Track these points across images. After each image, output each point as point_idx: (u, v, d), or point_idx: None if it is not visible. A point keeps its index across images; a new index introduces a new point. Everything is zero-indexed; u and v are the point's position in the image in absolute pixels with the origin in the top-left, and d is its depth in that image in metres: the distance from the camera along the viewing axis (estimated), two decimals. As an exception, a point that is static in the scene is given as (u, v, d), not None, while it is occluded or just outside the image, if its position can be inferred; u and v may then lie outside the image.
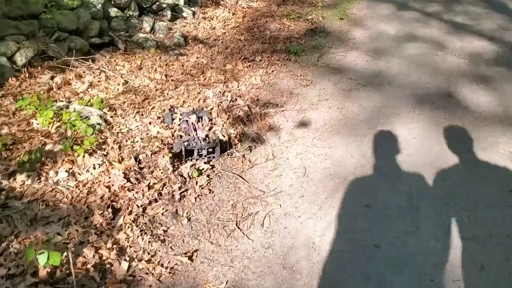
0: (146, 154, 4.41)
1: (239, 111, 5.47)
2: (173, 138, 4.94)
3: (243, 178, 4.57)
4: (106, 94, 5.75)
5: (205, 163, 4.62)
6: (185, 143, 4.61)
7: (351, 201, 4.18)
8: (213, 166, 4.67)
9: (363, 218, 3.99)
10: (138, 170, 4.30)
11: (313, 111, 5.84)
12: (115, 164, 4.21)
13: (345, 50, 7.69)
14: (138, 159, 4.40)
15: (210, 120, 5.16)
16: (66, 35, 6.43)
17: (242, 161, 4.81)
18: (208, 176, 4.52)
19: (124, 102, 5.57)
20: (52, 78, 5.76)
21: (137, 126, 5.11)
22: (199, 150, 4.63)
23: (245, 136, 5.16)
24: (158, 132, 4.94)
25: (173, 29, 8.00)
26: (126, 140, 4.79)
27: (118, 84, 5.94)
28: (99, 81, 6.00)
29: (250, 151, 5.00)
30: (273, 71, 6.83)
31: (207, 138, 4.82)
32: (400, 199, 4.23)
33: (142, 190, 4.06)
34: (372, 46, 7.57)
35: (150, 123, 5.13)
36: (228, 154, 4.87)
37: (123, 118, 5.19)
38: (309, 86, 6.48)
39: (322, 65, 7.13)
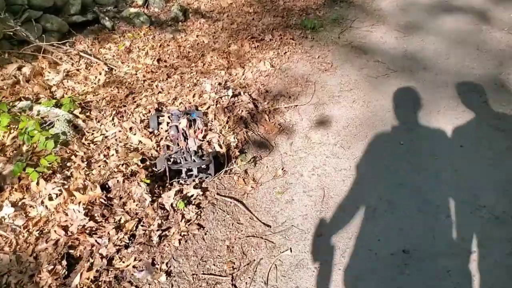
0: (118, 180, 3.37)
1: (242, 110, 4.38)
2: (158, 149, 3.89)
3: (244, 205, 3.55)
4: (84, 86, 4.70)
5: (195, 186, 3.58)
6: (170, 161, 3.58)
7: (385, 243, 3.11)
8: (205, 190, 3.64)
9: (402, 268, 2.93)
10: (106, 202, 3.28)
11: (334, 105, 4.71)
12: (76, 195, 3.22)
13: (371, 24, 6.45)
14: (107, 186, 3.38)
15: (205, 124, 4.08)
16: (40, 13, 5.34)
17: (244, 180, 3.77)
18: (198, 206, 3.50)
19: (103, 99, 4.52)
20: (19, 68, 4.72)
21: (114, 133, 4.07)
22: (188, 170, 3.56)
23: (248, 143, 4.10)
24: (140, 142, 3.79)
25: (170, 0, 6.57)
26: (99, 154, 3.78)
27: (100, 73, 4.87)
28: (77, 70, 4.95)
29: (255, 165, 3.96)
30: (285, 52, 5.64)
31: (199, 151, 3.79)
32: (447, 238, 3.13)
33: (109, 233, 3.07)
34: (401, 19, 6.27)
35: (131, 128, 4.08)
36: (226, 172, 3.81)
37: (98, 121, 4.15)
38: (328, 71, 5.31)
39: (344, 43, 5.90)
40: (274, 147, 4.12)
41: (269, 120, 4.38)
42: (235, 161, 3.88)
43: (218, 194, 3.59)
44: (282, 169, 3.86)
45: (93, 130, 4.03)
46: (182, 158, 3.65)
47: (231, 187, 3.68)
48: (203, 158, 3.68)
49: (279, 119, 4.43)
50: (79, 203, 3.12)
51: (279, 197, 3.59)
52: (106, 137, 4.02)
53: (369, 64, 5.42)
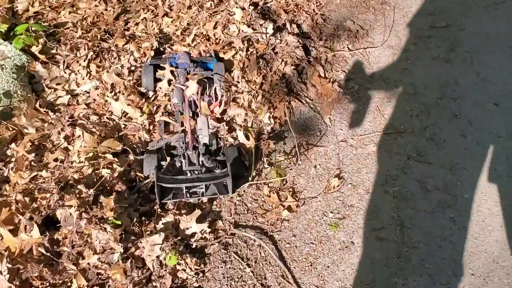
0: (70, 213, 2.02)
1: (286, 62, 2.80)
2: (150, 128, 2.53)
3: (276, 248, 2.22)
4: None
5: (200, 219, 2.20)
6: (163, 167, 2.24)
7: None
8: (214, 220, 2.30)
9: None
10: (50, 251, 1.98)
11: (422, 51, 3.08)
12: (4, 240, 1.92)
13: None
14: (55, 219, 2.04)
15: (228, 88, 2.60)
16: None
17: (278, 194, 2.36)
18: (201, 252, 2.16)
19: (83, 19, 3.01)
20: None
21: (88, 91, 2.66)
22: (190, 187, 2.19)
23: (289, 123, 2.63)
24: (124, 113, 2.37)
25: None
26: (59, 133, 2.43)
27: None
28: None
29: (296, 161, 2.54)
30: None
31: (213, 143, 2.41)
32: None
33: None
34: None
35: (113, 87, 2.63)
36: (252, 184, 2.39)
37: (67, 68, 2.72)
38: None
39: None
40: (328, 128, 2.69)
41: (325, 76, 2.81)
42: (267, 160, 2.47)
43: (235, 225, 2.25)
44: (339, 175, 2.46)
45: (57, 84, 2.49)
46: (183, 159, 2.29)
47: (257, 207, 2.33)
48: (217, 158, 2.31)
49: (339, 74, 2.91)
50: (4, 257, 1.60)
51: (333, 233, 2.25)
52: (74, 96, 2.62)
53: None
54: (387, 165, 2.47)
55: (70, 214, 1.92)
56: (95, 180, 2.11)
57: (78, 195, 1.97)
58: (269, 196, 2.26)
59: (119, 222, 1.92)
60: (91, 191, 1.97)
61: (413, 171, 2.45)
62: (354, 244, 2.15)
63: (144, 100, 2.50)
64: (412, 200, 2.34)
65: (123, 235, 1.95)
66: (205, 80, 2.52)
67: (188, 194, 2.14)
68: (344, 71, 2.86)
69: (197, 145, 2.28)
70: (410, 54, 2.96)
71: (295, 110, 2.62)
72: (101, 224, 1.87)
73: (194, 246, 2.10)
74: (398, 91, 2.77)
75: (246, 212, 2.24)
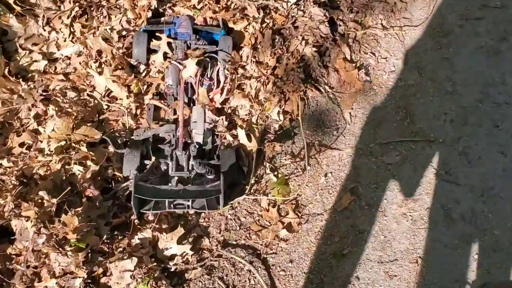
0: (26, 227, 1.68)
1: (307, 41, 2.32)
2: (137, 112, 2.14)
3: (269, 277, 1.89)
4: None
5: (181, 239, 1.87)
6: (142, 173, 1.87)
7: None
8: (201, 237, 1.97)
9: None
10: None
11: (468, 37, 2.56)
12: None
13: None
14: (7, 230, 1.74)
15: (234, 69, 2.16)
16: None
17: (279, 209, 2.00)
18: (180, 277, 1.84)
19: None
20: None
21: (69, 57, 2.23)
22: (174, 199, 1.81)
23: (300, 118, 2.20)
24: (109, 91, 2.05)
25: None
26: (29, 109, 2.07)
27: None
28: None
29: (304, 169, 2.12)
30: None
31: (207, 143, 2.03)
32: None
33: None
34: None
35: (100, 54, 2.19)
36: (248, 193, 2.02)
37: (47, 24, 2.28)
38: None
39: None
40: (347, 126, 2.27)
41: (351, 59, 2.38)
42: (269, 166, 2.08)
43: (223, 244, 1.92)
44: (353, 189, 2.08)
45: (33, 45, 2.11)
46: (170, 161, 1.93)
47: (252, 222, 1.99)
48: (210, 163, 1.95)
49: (367, 58, 2.44)
50: None
51: (337, 263, 1.92)
52: (52, 62, 2.20)
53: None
54: (410, 182, 2.09)
55: (27, 228, 1.50)
56: (64, 178, 1.71)
57: (38, 203, 1.56)
58: (267, 211, 1.88)
59: (83, 246, 1.51)
60: (54, 200, 1.55)
61: (438, 193, 2.05)
62: (359, 280, 1.82)
63: (133, 76, 2.01)
64: (432, 230, 1.98)
65: (89, 255, 1.56)
66: (207, 58, 2.06)
67: (171, 205, 1.79)
68: (373, 54, 2.40)
69: (188, 141, 1.87)
70: (453, 39, 2.48)
71: (311, 101, 2.14)
72: (61, 248, 1.46)
73: (172, 270, 1.70)
74: (433, 87, 2.34)
75: (238, 228, 1.90)
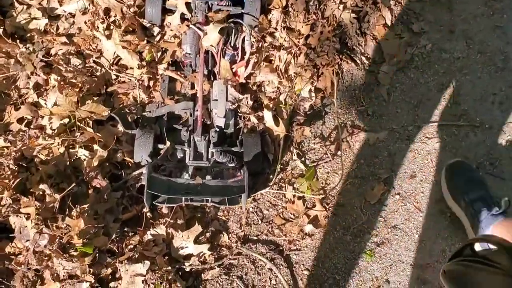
0: (26, 226, 1.47)
1: (343, 4, 1.96)
2: (150, 84, 1.87)
3: (291, 277, 1.71)
4: None
5: (198, 239, 1.69)
6: (156, 159, 1.65)
7: None
8: (219, 233, 1.77)
9: None
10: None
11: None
12: None
13: None
14: (7, 226, 1.53)
15: (262, 37, 1.86)
16: None
17: (305, 201, 1.79)
18: (196, 278, 1.66)
19: None
20: None
21: (73, 12, 1.94)
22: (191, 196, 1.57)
23: (335, 94, 1.91)
24: (118, 58, 1.85)
25: None
26: (28, 77, 1.81)
27: None
28: None
29: (335, 154, 1.92)
30: None
31: (229, 126, 1.78)
32: None
33: None
34: None
35: (108, 13, 1.88)
36: (275, 183, 1.80)
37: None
38: None
39: None
40: (383, 104, 2.01)
41: (392, 25, 2.07)
42: (297, 151, 1.86)
43: (244, 239, 1.73)
44: (386, 179, 1.86)
45: None
46: (187, 147, 1.68)
47: (275, 215, 1.79)
48: (232, 149, 1.72)
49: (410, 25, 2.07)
50: None
51: (365, 264, 1.76)
52: (54, 20, 1.93)
53: None
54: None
55: (26, 227, 1.29)
56: (67, 163, 1.47)
57: (39, 197, 1.34)
58: (293, 203, 1.65)
59: (90, 251, 1.31)
60: (57, 196, 1.33)
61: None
62: (389, 284, 1.61)
63: (145, 41, 1.71)
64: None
65: (97, 256, 1.37)
66: (231, 24, 1.78)
67: (188, 199, 1.57)
68: (416, 20, 2.04)
69: (208, 122, 1.64)
70: (508, 3, 2.11)
71: (345, 75, 1.85)
72: (65, 254, 1.26)
73: (188, 270, 1.51)
74: (482, 61, 2.03)
75: (260, 221, 1.69)
